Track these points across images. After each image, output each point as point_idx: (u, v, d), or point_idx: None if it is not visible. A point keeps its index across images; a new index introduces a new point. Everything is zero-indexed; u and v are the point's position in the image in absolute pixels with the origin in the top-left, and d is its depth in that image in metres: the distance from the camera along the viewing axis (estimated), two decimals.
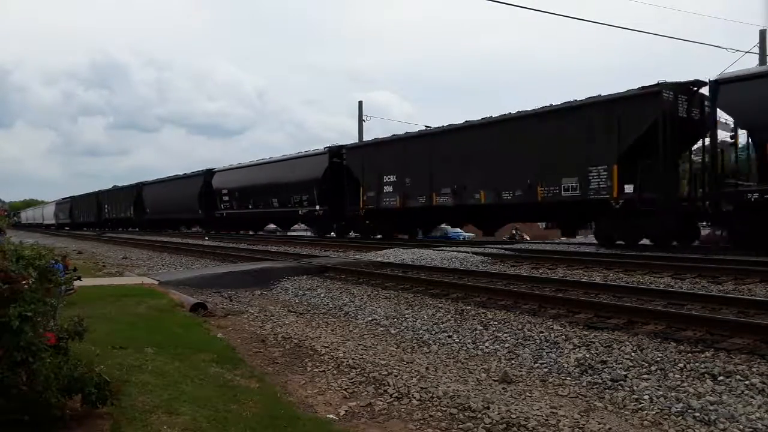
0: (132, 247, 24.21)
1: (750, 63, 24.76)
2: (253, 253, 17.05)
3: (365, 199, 23.85)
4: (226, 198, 34.33)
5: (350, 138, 41.37)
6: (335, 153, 25.88)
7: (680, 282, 9.46)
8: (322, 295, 9.71)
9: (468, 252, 14.76)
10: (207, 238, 29.19)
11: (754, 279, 9.08)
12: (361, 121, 35.79)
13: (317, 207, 26.43)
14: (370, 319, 7.79)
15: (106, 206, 53.10)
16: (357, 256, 15.21)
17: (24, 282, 3.19)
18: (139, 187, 46.28)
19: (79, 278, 6.81)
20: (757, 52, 22.78)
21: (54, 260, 3.78)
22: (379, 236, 24.23)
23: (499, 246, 17.04)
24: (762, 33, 22.87)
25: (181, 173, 41.76)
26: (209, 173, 36.71)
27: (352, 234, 26.44)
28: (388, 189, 22.89)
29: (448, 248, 16.25)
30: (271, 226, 35.77)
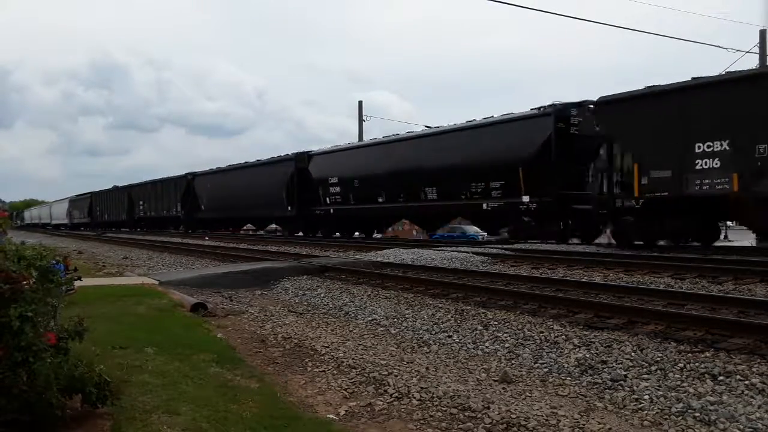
0: (132, 247, 24.22)
1: (750, 63, 24.78)
2: (253, 253, 17.06)
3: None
4: (335, 190, 26.47)
5: (350, 138, 41.40)
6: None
7: (680, 282, 9.46)
8: (322, 295, 9.71)
9: (468, 252, 14.77)
10: (207, 238, 29.17)
11: (754, 279, 9.09)
12: (361, 121, 35.82)
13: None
14: (370, 319, 7.79)
15: (141, 203, 45.94)
16: (357, 256, 15.21)
17: (25, 282, 3.19)
18: (189, 177, 38.94)
19: (79, 278, 6.80)
20: (757, 52, 22.79)
21: (55, 260, 3.79)
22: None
23: (499, 246, 17.03)
24: (762, 33, 22.89)
25: (251, 160, 33.92)
26: (303, 157, 28.62)
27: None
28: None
29: (448, 248, 16.25)
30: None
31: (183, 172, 40.99)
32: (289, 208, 28.16)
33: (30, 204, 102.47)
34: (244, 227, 39.18)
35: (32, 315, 3.11)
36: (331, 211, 26.10)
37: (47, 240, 29.74)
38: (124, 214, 48.48)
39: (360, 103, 36.41)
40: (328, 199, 26.21)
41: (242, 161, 34.57)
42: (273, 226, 35.12)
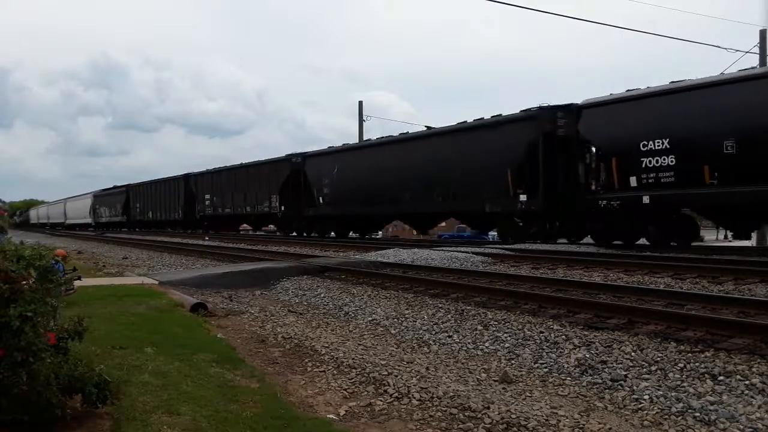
0: (132, 247, 24.22)
1: (750, 63, 24.79)
2: (253, 253, 17.06)
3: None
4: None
5: (350, 138, 41.38)
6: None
7: (680, 282, 9.46)
8: (322, 295, 9.71)
9: (468, 252, 14.76)
10: (207, 238, 29.17)
11: (754, 279, 9.08)
12: (361, 121, 35.78)
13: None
14: (370, 319, 7.79)
15: (206, 197, 35.71)
16: (357, 256, 15.21)
17: (24, 282, 3.19)
18: (298, 160, 27.98)
19: (79, 278, 6.83)
20: (757, 52, 22.79)
21: (54, 260, 3.79)
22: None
23: (500, 246, 17.03)
24: (762, 33, 22.88)
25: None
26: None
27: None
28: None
29: (448, 248, 16.25)
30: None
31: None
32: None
33: (30, 204, 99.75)
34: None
35: (32, 315, 3.11)
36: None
37: (48, 240, 29.74)
38: (178, 210, 38.77)
39: (360, 103, 36.36)
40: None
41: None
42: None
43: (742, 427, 3.82)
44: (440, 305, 8.10)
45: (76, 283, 7.56)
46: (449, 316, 7.46)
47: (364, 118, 35.86)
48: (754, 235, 20.82)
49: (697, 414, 4.04)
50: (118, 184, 51.74)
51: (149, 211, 44.27)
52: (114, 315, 6.99)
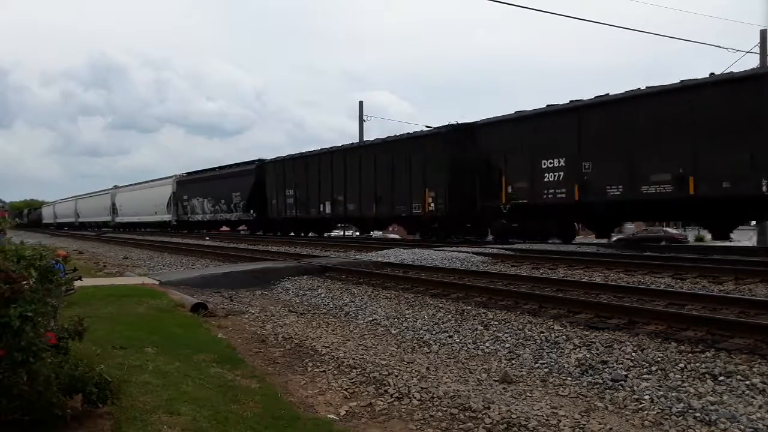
0: (132, 247, 24.21)
1: (750, 63, 24.78)
2: (254, 253, 17.06)
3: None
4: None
5: (349, 138, 41.47)
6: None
7: (681, 282, 9.46)
8: (322, 295, 9.71)
9: (468, 252, 14.76)
10: (207, 239, 29.18)
11: (754, 279, 9.08)
12: (361, 121, 35.82)
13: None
14: (370, 319, 7.79)
15: (288, 191, 28.50)
16: (357, 256, 15.21)
17: (25, 282, 3.19)
18: (472, 129, 19.98)
19: (79, 278, 6.80)
20: (758, 52, 22.78)
21: (55, 260, 3.78)
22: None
23: (500, 246, 17.04)
24: (762, 33, 22.88)
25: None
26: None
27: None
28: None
29: (448, 248, 16.25)
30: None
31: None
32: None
33: (30, 204, 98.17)
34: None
35: (32, 315, 3.10)
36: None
37: (48, 240, 29.74)
38: (239, 205, 32.17)
39: (360, 103, 36.40)
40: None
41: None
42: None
43: (742, 427, 3.82)
44: (441, 305, 8.10)
45: (77, 283, 7.52)
46: (450, 316, 7.46)
47: (365, 118, 35.91)
48: (754, 236, 20.89)
49: (698, 414, 4.04)
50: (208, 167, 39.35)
51: (208, 208, 35.96)
52: (114, 315, 6.99)
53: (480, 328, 6.78)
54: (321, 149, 27.47)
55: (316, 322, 7.70)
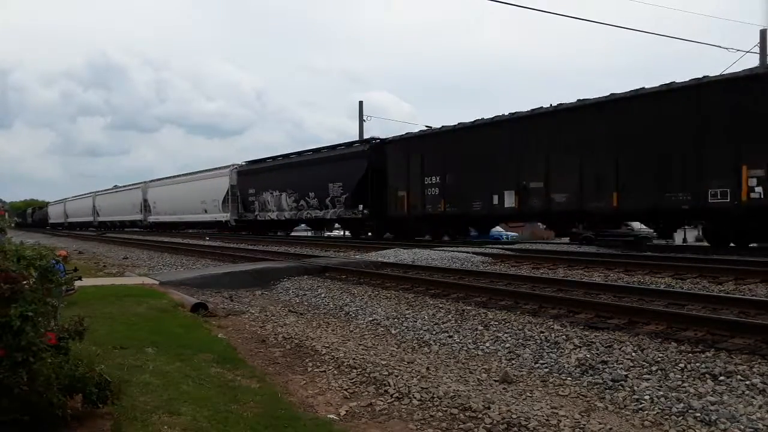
0: (132, 248, 24.20)
1: (751, 63, 24.78)
2: (254, 253, 17.06)
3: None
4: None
5: (349, 137, 41.25)
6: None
7: (681, 282, 9.46)
8: (322, 295, 9.71)
9: (468, 252, 14.77)
10: (207, 238, 29.16)
11: (754, 279, 9.08)
12: (361, 121, 35.82)
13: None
14: (370, 319, 7.79)
15: (441, 182, 20.66)
16: (357, 257, 15.22)
17: (25, 282, 3.19)
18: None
19: (79, 278, 6.80)
20: (758, 52, 22.78)
21: (55, 260, 3.78)
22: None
23: (500, 246, 17.07)
24: (762, 33, 22.88)
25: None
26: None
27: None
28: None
29: (448, 248, 16.25)
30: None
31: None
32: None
33: (30, 204, 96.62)
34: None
35: (32, 315, 3.11)
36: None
37: (47, 240, 29.74)
38: (339, 200, 25.08)
39: (360, 103, 36.34)
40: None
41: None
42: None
43: (742, 427, 3.82)
44: (441, 305, 8.10)
45: (77, 283, 7.52)
46: (450, 316, 7.46)
47: (365, 118, 35.86)
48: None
49: (698, 414, 4.04)
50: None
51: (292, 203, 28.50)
52: (114, 315, 6.99)
53: (480, 328, 6.78)
54: (495, 117, 19.08)
55: (316, 322, 7.70)
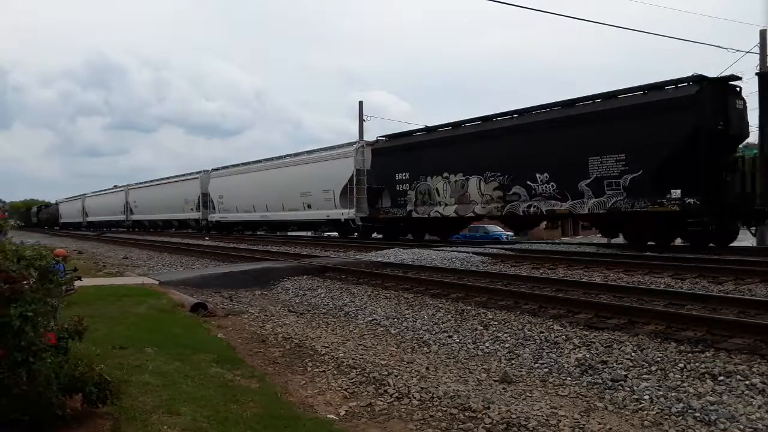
0: (132, 247, 24.20)
1: (751, 63, 24.73)
2: (254, 253, 17.06)
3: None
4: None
5: (349, 137, 41.17)
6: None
7: (680, 282, 9.46)
8: (322, 295, 9.71)
9: (468, 252, 14.77)
10: (207, 238, 29.17)
11: (754, 279, 9.08)
12: (361, 121, 35.71)
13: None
14: (370, 319, 7.79)
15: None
16: (357, 257, 15.21)
17: (25, 282, 3.19)
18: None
19: (79, 278, 6.82)
20: (758, 52, 22.76)
21: (55, 260, 3.79)
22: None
23: (500, 246, 17.06)
24: (762, 33, 22.84)
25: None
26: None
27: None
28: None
29: (448, 248, 16.25)
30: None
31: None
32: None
33: (30, 204, 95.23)
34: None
35: (32, 315, 3.11)
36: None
37: (47, 240, 29.72)
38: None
39: (360, 103, 36.11)
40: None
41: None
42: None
43: (742, 427, 3.82)
44: (440, 305, 8.10)
45: (77, 283, 7.55)
46: (449, 316, 7.46)
47: (364, 118, 35.78)
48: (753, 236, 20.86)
49: (698, 414, 4.04)
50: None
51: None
52: (114, 315, 6.99)
53: (480, 328, 6.78)
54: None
55: (315, 322, 7.71)
